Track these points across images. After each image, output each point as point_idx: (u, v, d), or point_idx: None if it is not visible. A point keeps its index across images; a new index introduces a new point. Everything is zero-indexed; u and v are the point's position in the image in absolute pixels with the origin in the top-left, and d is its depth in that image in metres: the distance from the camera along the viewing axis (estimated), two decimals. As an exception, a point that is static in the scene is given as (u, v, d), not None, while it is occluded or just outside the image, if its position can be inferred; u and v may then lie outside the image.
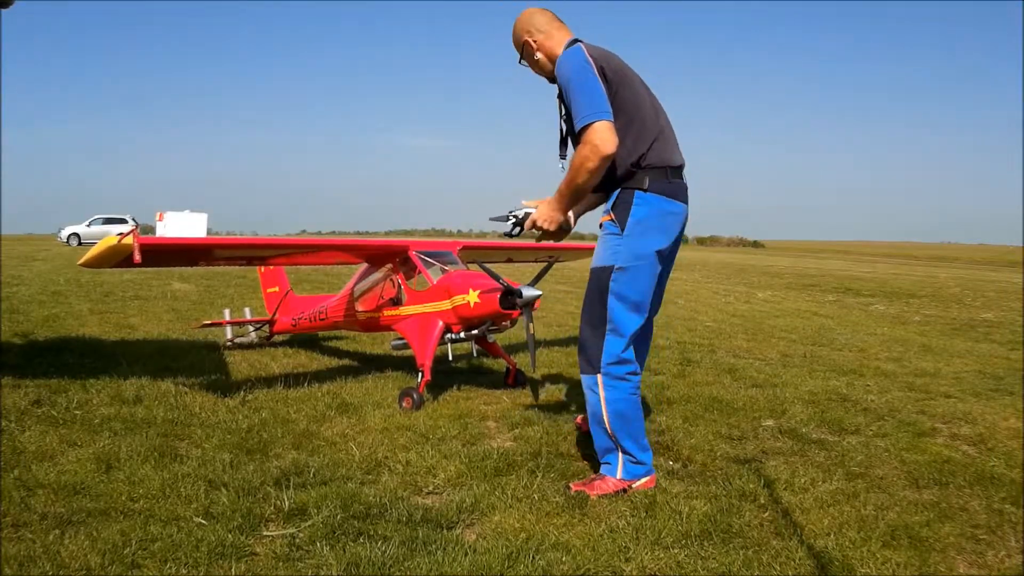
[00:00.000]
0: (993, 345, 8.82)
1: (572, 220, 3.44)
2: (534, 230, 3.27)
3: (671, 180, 3.17)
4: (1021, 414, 4.84)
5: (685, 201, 3.25)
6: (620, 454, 3.23)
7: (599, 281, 3.15)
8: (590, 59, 3.04)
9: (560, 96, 3.19)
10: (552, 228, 3.22)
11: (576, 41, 3.23)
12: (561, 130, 3.30)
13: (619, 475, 3.22)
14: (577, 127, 2.98)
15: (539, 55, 3.30)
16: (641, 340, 3.40)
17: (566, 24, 3.35)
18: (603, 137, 2.91)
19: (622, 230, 3.10)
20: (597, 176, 3.01)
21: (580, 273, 17.20)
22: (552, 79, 3.27)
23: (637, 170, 3.10)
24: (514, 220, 3.36)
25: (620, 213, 3.12)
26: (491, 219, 3.58)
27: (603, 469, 3.30)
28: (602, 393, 3.16)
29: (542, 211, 3.19)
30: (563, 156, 3.34)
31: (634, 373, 3.22)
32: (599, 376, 3.16)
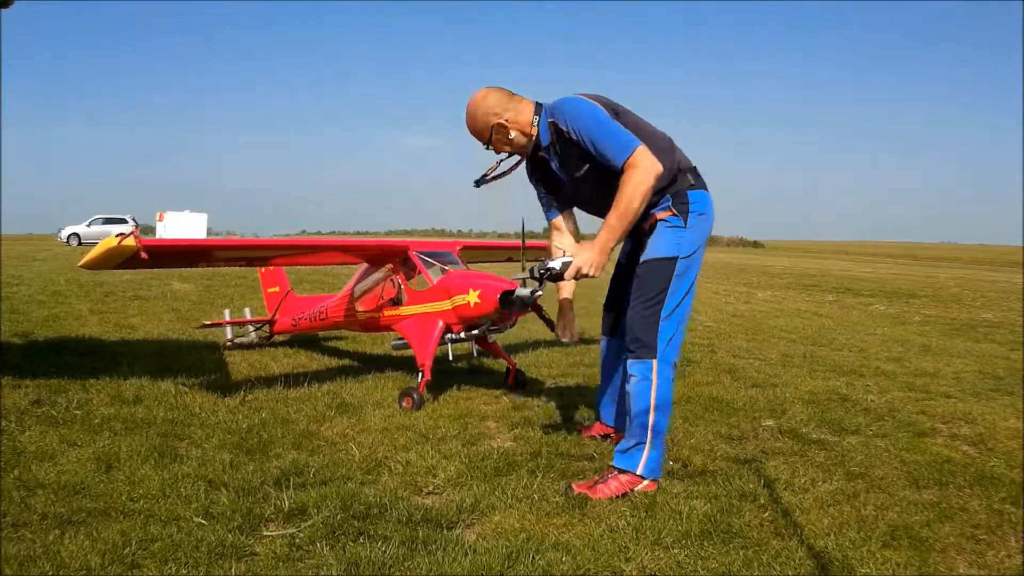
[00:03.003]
0: (993, 345, 8.81)
1: None
2: (576, 279, 3.23)
3: (700, 177, 3.39)
4: (1021, 414, 4.84)
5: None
6: (647, 449, 3.21)
7: (662, 270, 3.21)
8: (595, 103, 3.24)
9: (541, 160, 3.46)
10: (598, 274, 3.17)
11: (541, 105, 3.41)
12: (548, 185, 3.56)
13: (640, 470, 3.19)
14: (620, 161, 3.10)
15: (514, 133, 3.41)
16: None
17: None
18: (650, 159, 3.07)
19: (685, 223, 3.25)
20: (648, 196, 3.12)
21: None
22: (529, 155, 3.47)
23: (678, 173, 3.29)
24: (548, 274, 3.20)
25: (680, 208, 3.26)
26: (517, 277, 3.65)
27: (620, 462, 3.24)
28: (655, 380, 3.18)
29: (587, 258, 3.12)
30: (558, 206, 3.61)
31: (677, 363, 3.33)
32: (654, 362, 3.18)
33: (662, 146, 3.25)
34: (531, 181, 3.70)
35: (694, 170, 3.38)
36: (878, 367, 6.65)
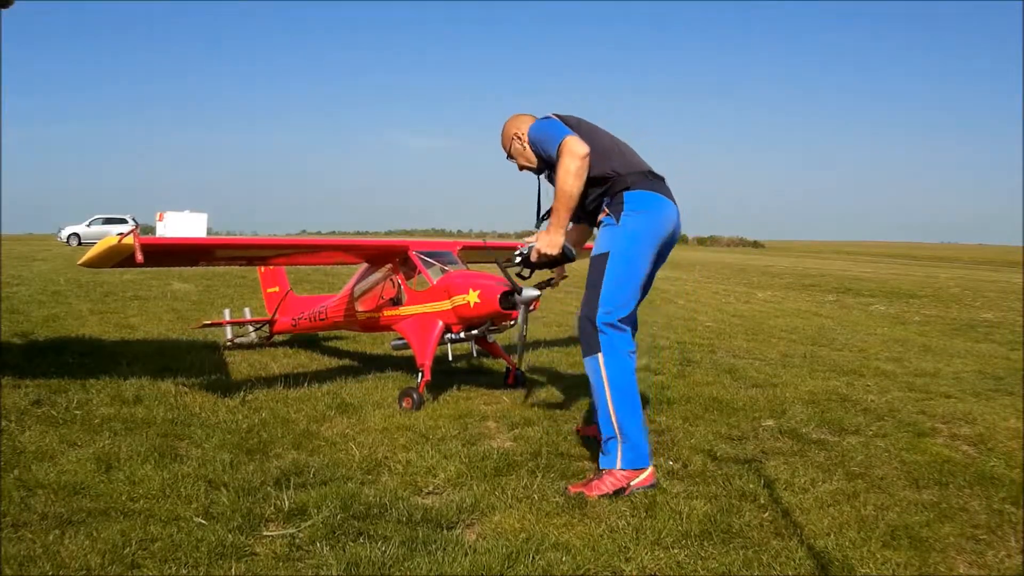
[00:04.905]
0: (993, 345, 8.82)
1: (574, 251, 3.73)
2: (541, 258, 3.59)
3: (651, 180, 3.52)
4: (1021, 414, 4.84)
5: (671, 199, 3.54)
6: (620, 443, 3.26)
7: (597, 265, 3.39)
8: (549, 115, 3.66)
9: (542, 173, 3.78)
10: (555, 252, 3.53)
11: None
12: (538, 204, 3.85)
13: (619, 464, 3.24)
14: (553, 152, 3.46)
15: (525, 145, 3.81)
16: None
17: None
18: (574, 143, 3.37)
19: (617, 221, 3.41)
20: (582, 178, 3.37)
21: (580, 274, 17.18)
22: (535, 168, 3.81)
23: (617, 176, 3.48)
24: (520, 258, 3.73)
25: (614, 208, 3.45)
26: (502, 263, 4.09)
27: (602, 462, 3.31)
28: (604, 372, 3.27)
29: (543, 239, 3.54)
30: (538, 225, 3.84)
31: (632, 352, 3.38)
32: (600, 355, 3.29)
33: (603, 149, 3.50)
34: None
35: (643, 173, 3.53)
36: (878, 367, 6.66)
